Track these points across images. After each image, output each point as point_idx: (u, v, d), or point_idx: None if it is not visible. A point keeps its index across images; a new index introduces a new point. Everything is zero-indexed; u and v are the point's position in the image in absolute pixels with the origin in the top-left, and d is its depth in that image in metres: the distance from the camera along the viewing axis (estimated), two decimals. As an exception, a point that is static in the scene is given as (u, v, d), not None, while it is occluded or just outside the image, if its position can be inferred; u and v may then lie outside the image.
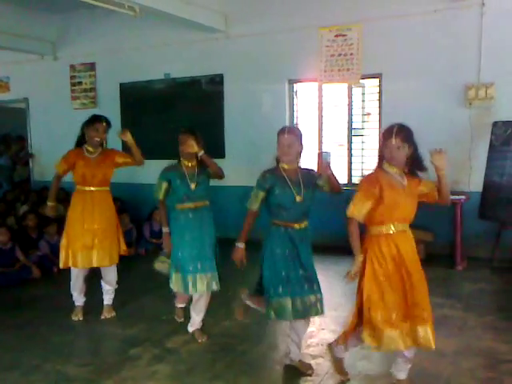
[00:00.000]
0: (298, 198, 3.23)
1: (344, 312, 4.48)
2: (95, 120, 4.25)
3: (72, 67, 8.76)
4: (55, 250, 6.23)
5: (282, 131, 3.27)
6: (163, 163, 4.02)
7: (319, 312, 3.30)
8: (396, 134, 2.87)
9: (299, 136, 3.30)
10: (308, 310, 3.26)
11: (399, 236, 2.94)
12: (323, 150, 7.14)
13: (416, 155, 2.93)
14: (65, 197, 8.16)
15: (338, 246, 6.34)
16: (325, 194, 3.34)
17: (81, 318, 4.43)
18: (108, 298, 4.56)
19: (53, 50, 8.85)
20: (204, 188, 3.89)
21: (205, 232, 3.87)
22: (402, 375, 3.10)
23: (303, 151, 3.35)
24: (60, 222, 6.78)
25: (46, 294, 5.30)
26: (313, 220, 3.35)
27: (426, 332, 2.92)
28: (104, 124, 4.24)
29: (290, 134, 3.23)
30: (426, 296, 2.95)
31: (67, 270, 6.07)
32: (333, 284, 5.21)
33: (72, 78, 8.78)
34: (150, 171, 7.41)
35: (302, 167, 3.37)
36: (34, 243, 6.21)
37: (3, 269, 5.60)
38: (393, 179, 2.94)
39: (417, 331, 2.92)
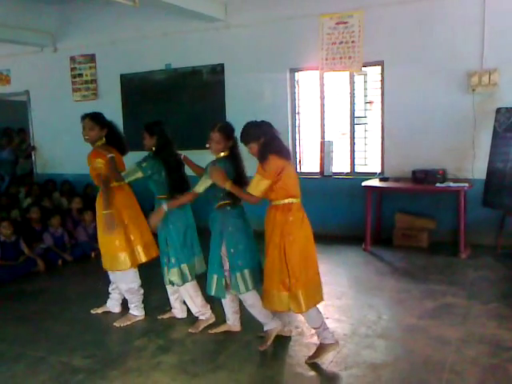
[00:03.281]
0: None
1: (348, 300, 4.49)
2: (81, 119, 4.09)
3: (72, 59, 8.72)
4: (59, 243, 6.27)
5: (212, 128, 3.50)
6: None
7: None
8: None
9: (226, 133, 3.49)
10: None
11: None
12: (325, 139, 7.15)
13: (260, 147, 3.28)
14: (69, 189, 8.19)
15: (340, 236, 6.35)
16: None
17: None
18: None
19: (52, 41, 8.80)
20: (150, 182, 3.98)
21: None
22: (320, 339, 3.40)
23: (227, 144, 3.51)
24: (63, 214, 6.81)
25: (51, 287, 5.32)
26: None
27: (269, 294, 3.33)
28: (86, 120, 4.03)
29: (218, 132, 3.46)
30: (272, 268, 3.29)
31: (71, 264, 6.13)
32: (336, 273, 5.22)
33: (72, 69, 8.75)
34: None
35: (218, 159, 3.49)
36: (38, 236, 6.22)
37: (8, 262, 5.62)
38: None
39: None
